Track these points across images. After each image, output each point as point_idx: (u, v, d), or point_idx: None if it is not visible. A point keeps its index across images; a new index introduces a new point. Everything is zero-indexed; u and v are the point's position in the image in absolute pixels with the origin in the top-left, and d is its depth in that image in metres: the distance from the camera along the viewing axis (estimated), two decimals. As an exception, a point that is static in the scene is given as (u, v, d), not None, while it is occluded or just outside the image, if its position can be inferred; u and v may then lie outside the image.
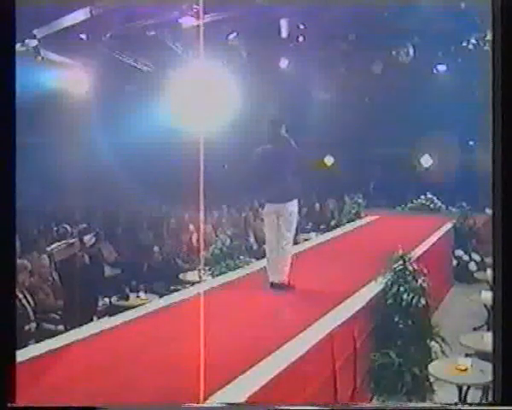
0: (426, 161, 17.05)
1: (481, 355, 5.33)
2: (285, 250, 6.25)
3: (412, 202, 12.98)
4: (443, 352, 5.90)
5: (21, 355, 3.90)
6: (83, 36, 9.99)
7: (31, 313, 6.73)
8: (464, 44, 11.92)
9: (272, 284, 6.23)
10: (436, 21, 10.70)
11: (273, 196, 6.22)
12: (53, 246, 8.40)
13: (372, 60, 13.44)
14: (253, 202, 13.17)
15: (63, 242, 8.62)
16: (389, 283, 6.10)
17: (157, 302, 6.41)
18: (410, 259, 6.29)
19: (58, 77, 11.59)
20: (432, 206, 12.67)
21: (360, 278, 6.38)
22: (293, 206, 6.25)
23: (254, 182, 6.64)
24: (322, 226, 12.81)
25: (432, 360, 5.66)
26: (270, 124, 6.22)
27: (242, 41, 11.35)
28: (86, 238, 8.99)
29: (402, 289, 6.00)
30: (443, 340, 6.01)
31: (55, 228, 10.40)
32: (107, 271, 9.04)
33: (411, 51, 12.44)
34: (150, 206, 13.06)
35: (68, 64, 11.32)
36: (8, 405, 2.62)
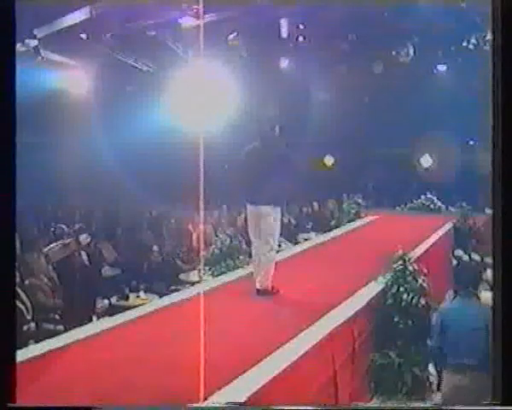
0: (426, 161, 17.08)
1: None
2: (268, 257, 5.88)
3: (412, 202, 12.96)
4: (443, 352, 5.89)
5: (21, 355, 3.89)
6: (83, 36, 10.01)
7: (30, 313, 6.72)
8: (464, 44, 11.95)
9: (258, 291, 5.91)
10: (436, 21, 10.73)
11: (254, 197, 5.83)
12: (50, 246, 8.41)
13: (372, 60, 13.47)
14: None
15: (59, 242, 8.63)
16: (389, 283, 6.09)
17: (157, 302, 6.40)
18: (409, 259, 6.29)
19: (58, 77, 11.61)
20: (432, 206, 12.65)
21: (360, 277, 6.37)
22: (276, 209, 5.82)
23: (239, 181, 6.23)
24: (322, 226, 12.80)
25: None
26: (259, 123, 5.99)
27: (242, 41, 11.36)
28: (82, 238, 9.00)
29: (402, 289, 6.00)
30: (443, 340, 6.00)
31: (52, 228, 10.41)
32: (108, 271, 9.05)
33: (411, 51, 12.47)
34: (150, 206, 13.07)
35: (68, 64, 11.35)
36: (8, 405, 2.62)
